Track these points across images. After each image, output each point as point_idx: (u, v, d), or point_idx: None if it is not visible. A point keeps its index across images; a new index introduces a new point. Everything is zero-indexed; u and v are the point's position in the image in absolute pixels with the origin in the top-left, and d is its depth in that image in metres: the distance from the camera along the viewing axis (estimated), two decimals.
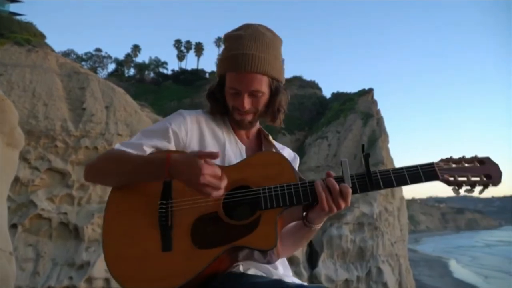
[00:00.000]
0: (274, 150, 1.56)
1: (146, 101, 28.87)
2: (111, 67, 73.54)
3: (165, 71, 72.18)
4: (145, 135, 1.42)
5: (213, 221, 1.26)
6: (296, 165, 1.62)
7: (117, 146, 1.39)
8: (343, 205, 1.28)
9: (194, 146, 1.42)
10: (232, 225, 1.25)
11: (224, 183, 1.20)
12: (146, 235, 1.26)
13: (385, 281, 20.49)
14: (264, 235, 1.21)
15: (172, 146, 1.41)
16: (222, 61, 1.45)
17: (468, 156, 1.33)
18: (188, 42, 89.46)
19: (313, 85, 50.67)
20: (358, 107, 32.39)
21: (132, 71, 71.81)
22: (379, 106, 33.26)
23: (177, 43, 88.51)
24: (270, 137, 1.60)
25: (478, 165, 1.30)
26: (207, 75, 68.09)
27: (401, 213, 25.35)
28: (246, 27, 1.47)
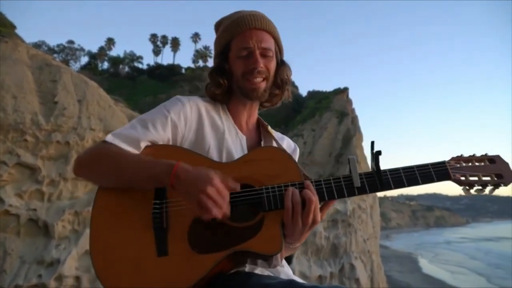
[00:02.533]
0: (273, 141, 1.46)
1: (120, 96, 28.35)
2: (84, 60, 72.07)
3: (140, 65, 71.24)
4: (141, 124, 1.28)
5: (212, 223, 1.13)
6: (296, 156, 1.55)
7: (109, 138, 1.22)
8: (309, 217, 1.14)
9: (191, 136, 1.31)
10: (233, 228, 1.15)
11: (227, 207, 1.09)
12: (139, 239, 1.14)
13: (358, 277, 20.87)
14: (268, 239, 1.12)
15: (168, 138, 1.29)
16: (226, 30, 1.40)
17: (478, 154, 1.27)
18: (164, 36, 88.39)
19: None
20: (334, 105, 32.77)
21: (106, 65, 70.47)
22: (354, 105, 33.81)
23: (153, 37, 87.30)
24: (269, 127, 1.51)
25: (488, 163, 1.26)
26: (183, 71, 67.48)
27: (373, 210, 25.86)
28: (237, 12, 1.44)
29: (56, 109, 11.57)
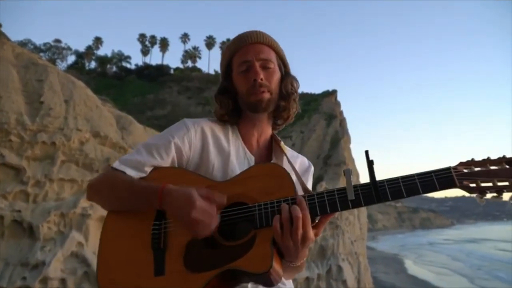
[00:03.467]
0: (285, 158, 1.44)
1: (108, 96, 28.07)
2: (71, 59, 71.14)
3: (128, 65, 70.59)
4: (147, 149, 1.31)
5: (206, 242, 1.16)
6: (309, 174, 1.52)
7: (116, 164, 1.29)
8: (298, 234, 1.10)
9: (196, 159, 1.34)
10: (226, 246, 1.15)
11: (214, 220, 1.11)
12: (139, 258, 1.19)
13: (345, 278, 20.97)
14: (258, 257, 1.10)
15: (174, 162, 1.32)
16: (226, 50, 1.43)
17: (494, 156, 1.12)
18: (153, 36, 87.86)
19: None
20: (322, 108, 32.98)
21: (93, 64, 69.68)
22: (342, 107, 34.08)
23: (142, 37, 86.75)
24: (282, 144, 1.48)
25: (507, 166, 1.09)
26: (172, 71, 67.13)
27: (360, 212, 26.04)
28: None
29: (42, 109, 11.40)
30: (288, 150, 1.50)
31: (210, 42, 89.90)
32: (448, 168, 1.12)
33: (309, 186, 1.48)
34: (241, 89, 1.37)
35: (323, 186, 21.39)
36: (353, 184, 1.15)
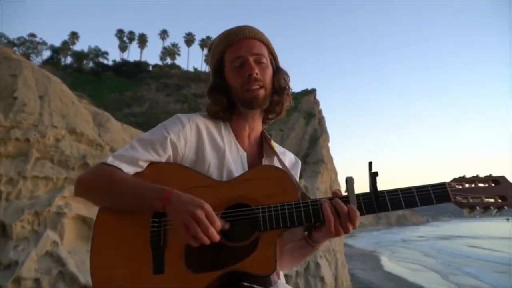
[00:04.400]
0: (275, 156, 1.46)
1: (84, 92, 27.54)
2: (46, 54, 69.55)
3: (105, 61, 69.61)
4: (142, 145, 1.29)
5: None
6: (297, 170, 1.56)
7: (110, 159, 1.24)
8: (351, 228, 1.19)
9: (191, 156, 1.33)
10: (228, 247, 1.16)
11: (214, 232, 1.10)
12: (137, 256, 1.18)
13: (323, 275, 21.23)
14: (262, 259, 1.13)
15: (170, 158, 1.31)
16: (218, 44, 1.41)
17: (482, 174, 1.24)
18: (131, 32, 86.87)
19: None
20: (301, 106, 33.30)
21: (69, 60, 68.34)
22: (321, 106, 34.45)
23: (120, 33, 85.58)
24: (272, 141, 1.50)
25: (493, 185, 1.21)
26: (150, 68, 66.39)
27: None
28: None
29: (16, 105, 11.11)
30: (276, 147, 1.52)
31: (189, 39, 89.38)
32: (443, 184, 1.21)
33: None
34: (235, 85, 1.36)
35: (302, 184, 21.56)
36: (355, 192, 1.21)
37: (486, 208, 1.18)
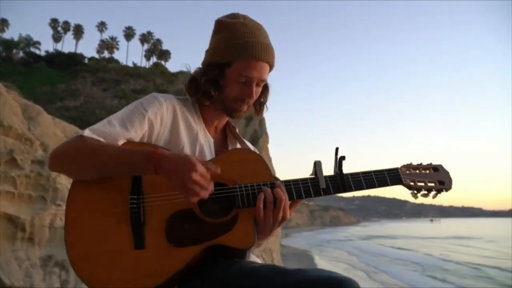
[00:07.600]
0: (238, 144, 1.55)
1: (13, 83, 25.63)
2: None
3: (37, 51, 65.17)
4: (120, 122, 1.29)
5: (188, 218, 1.22)
6: None
7: (86, 132, 1.24)
8: (279, 214, 1.25)
9: (166, 135, 1.37)
10: (208, 223, 1.22)
11: (211, 185, 1.16)
12: (116, 232, 1.19)
13: None
14: (242, 234, 1.21)
15: (144, 136, 1.33)
16: (231, 47, 1.38)
17: (424, 163, 1.44)
18: (66, 22, 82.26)
19: None
20: None
21: None
22: None
23: (54, 22, 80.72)
24: (237, 130, 1.59)
25: (433, 171, 1.43)
26: (86, 61, 63.26)
27: None
28: (238, 15, 1.46)
29: None
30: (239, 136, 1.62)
31: (129, 33, 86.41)
32: (396, 169, 1.39)
33: None
34: (229, 93, 1.41)
35: None
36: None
37: (428, 190, 1.40)
